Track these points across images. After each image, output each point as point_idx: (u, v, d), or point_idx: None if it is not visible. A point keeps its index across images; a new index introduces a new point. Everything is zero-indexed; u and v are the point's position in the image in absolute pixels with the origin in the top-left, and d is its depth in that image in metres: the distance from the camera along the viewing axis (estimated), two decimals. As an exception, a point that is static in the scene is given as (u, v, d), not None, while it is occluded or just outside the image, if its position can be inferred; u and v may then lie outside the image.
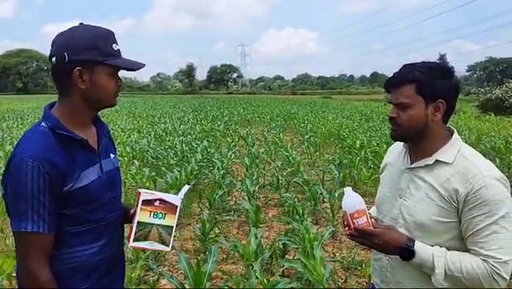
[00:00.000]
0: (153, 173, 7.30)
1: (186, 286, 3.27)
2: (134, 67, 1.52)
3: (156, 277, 3.85)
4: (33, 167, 1.32)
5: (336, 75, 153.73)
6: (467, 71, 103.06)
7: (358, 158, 8.55)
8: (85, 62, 1.41)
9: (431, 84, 1.50)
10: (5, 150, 9.24)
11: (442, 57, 75.61)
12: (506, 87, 26.56)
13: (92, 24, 1.49)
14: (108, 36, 1.48)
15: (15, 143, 1.52)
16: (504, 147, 10.07)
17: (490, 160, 1.59)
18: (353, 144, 10.70)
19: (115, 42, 1.49)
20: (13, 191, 1.34)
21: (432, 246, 1.50)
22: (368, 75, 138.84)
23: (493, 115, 23.44)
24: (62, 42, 1.43)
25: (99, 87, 1.45)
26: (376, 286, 1.77)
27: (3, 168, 1.39)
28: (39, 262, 1.36)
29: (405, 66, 1.57)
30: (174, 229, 1.59)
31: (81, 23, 1.48)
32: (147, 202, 1.55)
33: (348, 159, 8.73)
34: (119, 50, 1.49)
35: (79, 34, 1.44)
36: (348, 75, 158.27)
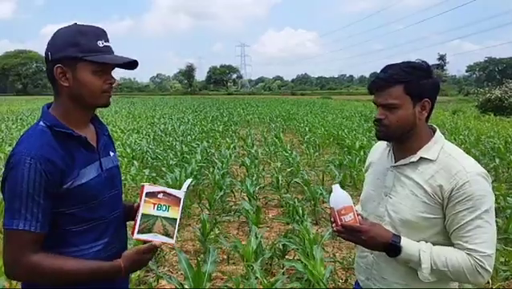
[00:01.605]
0: (153, 174, 7.31)
1: (186, 287, 3.27)
2: (118, 61, 1.45)
3: (156, 278, 3.85)
4: (30, 165, 1.31)
5: (336, 76, 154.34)
6: (466, 71, 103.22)
7: (357, 159, 8.55)
8: (65, 59, 1.39)
9: (418, 84, 1.52)
10: (4, 151, 9.25)
11: (442, 57, 75.79)
12: (506, 87, 26.60)
13: (88, 24, 1.46)
14: (93, 33, 1.43)
15: (14, 144, 1.50)
16: (503, 147, 10.07)
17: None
18: (353, 145, 10.70)
19: (102, 38, 1.44)
20: (9, 189, 1.34)
21: (418, 241, 1.52)
22: (368, 76, 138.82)
23: (492, 115, 23.47)
24: (48, 42, 1.43)
25: (82, 84, 1.42)
26: (361, 284, 1.78)
27: (3, 170, 1.39)
28: (32, 255, 1.35)
29: (389, 67, 1.58)
30: (178, 222, 1.58)
31: (75, 23, 1.47)
32: (150, 195, 1.55)
33: (348, 159, 8.74)
34: (107, 46, 1.45)
35: (64, 33, 1.43)
36: (348, 76, 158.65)
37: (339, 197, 1.60)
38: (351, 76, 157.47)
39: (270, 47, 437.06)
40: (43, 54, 1.46)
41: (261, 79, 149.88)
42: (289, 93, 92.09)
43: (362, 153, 9.16)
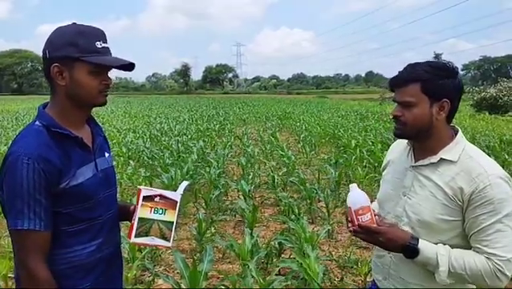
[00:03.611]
0: (149, 174, 7.30)
1: (182, 286, 3.27)
2: (114, 64, 1.47)
3: (153, 277, 3.86)
4: (28, 165, 1.32)
5: (331, 75, 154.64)
6: (462, 69, 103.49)
7: (353, 157, 8.58)
8: (63, 58, 1.40)
9: (436, 84, 1.50)
10: (-1, 151, 9.22)
11: (437, 56, 75.93)
12: (501, 85, 26.72)
13: (85, 24, 1.47)
14: (93, 33, 1.44)
15: (9, 143, 1.51)
16: (498, 146, 10.13)
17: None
18: (348, 144, 10.72)
19: (101, 40, 1.45)
20: (9, 189, 1.34)
21: (436, 243, 1.51)
22: (363, 75, 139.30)
23: (487, 113, 23.60)
24: (47, 40, 1.44)
25: (78, 84, 1.43)
26: (378, 284, 1.77)
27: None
28: (37, 260, 1.36)
29: (410, 65, 1.57)
30: (175, 225, 1.60)
31: (74, 23, 1.48)
32: (147, 198, 1.57)
33: (344, 158, 8.76)
34: (106, 48, 1.46)
35: (63, 32, 1.44)
36: (343, 75, 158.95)
37: (357, 196, 1.59)
38: (346, 75, 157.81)
39: (266, 47, 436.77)
40: (39, 54, 1.47)
41: (257, 79, 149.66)
42: (285, 92, 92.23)
43: (358, 152, 9.17)
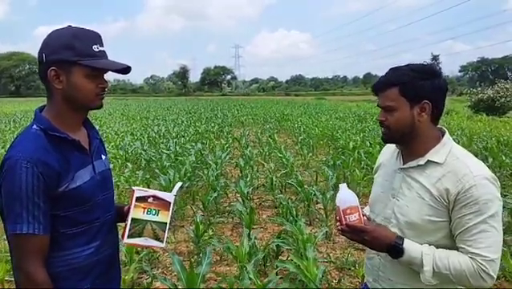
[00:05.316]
0: (147, 176, 7.29)
1: (180, 288, 3.27)
2: (112, 67, 1.47)
3: (150, 279, 3.85)
4: (27, 168, 1.32)
5: (330, 77, 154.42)
6: (459, 71, 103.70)
7: (351, 159, 8.58)
8: (60, 62, 1.40)
9: (414, 86, 1.52)
10: (-3, 153, 9.18)
11: (435, 57, 76.07)
12: (498, 87, 26.76)
13: (81, 26, 1.47)
14: (89, 37, 1.45)
15: (7, 146, 1.52)
16: (496, 147, 10.14)
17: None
18: (346, 145, 10.72)
19: (97, 43, 1.45)
20: (7, 193, 1.34)
21: (425, 244, 1.52)
22: (361, 76, 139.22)
23: (485, 115, 23.64)
24: (43, 43, 1.44)
25: (75, 87, 1.43)
26: (369, 285, 1.79)
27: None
28: (36, 264, 1.36)
29: (390, 69, 1.60)
30: (168, 226, 1.60)
31: (69, 25, 1.48)
32: (140, 199, 1.57)
33: (341, 160, 8.76)
34: (102, 51, 1.46)
35: (59, 35, 1.44)
36: (342, 77, 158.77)
37: (345, 196, 1.61)
38: (344, 77, 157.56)
39: (264, 48, 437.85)
40: (36, 56, 1.47)
41: (255, 80, 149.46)
42: (283, 94, 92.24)
43: (355, 154, 9.17)
